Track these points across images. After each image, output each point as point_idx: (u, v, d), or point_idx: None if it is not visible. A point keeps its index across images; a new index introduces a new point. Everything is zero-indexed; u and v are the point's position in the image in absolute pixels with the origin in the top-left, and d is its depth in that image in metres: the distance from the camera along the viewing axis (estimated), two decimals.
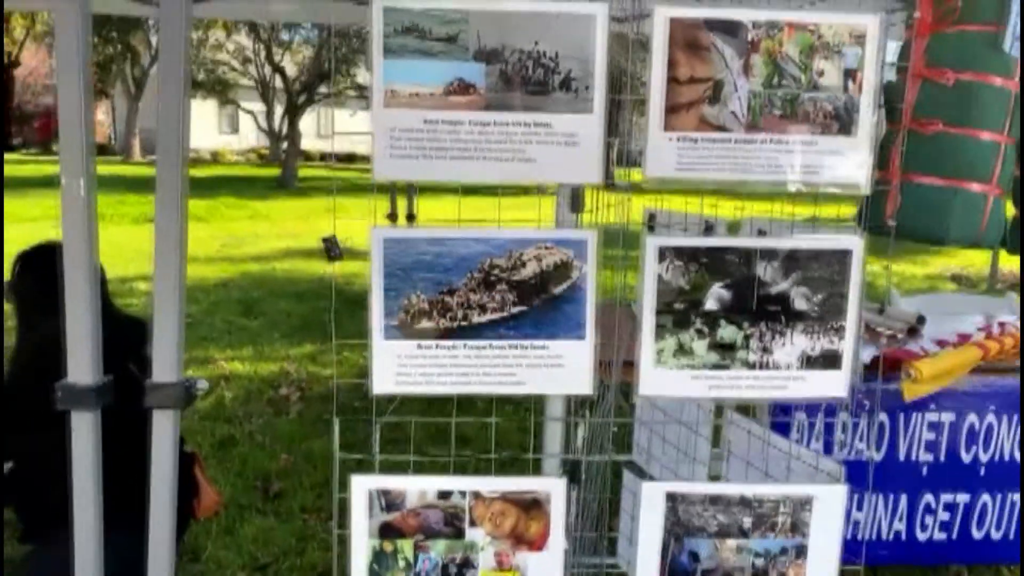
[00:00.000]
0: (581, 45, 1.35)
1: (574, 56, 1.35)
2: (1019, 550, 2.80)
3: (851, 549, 1.63)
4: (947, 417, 2.79)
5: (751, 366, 1.46)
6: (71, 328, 1.43)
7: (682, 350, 1.45)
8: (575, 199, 1.48)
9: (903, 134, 1.61)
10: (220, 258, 9.96)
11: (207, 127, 31.31)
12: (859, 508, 2.77)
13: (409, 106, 1.36)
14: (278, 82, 24.82)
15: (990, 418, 2.78)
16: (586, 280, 1.43)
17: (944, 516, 2.85)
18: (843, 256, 1.43)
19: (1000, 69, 1.66)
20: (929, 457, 2.81)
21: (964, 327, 3.05)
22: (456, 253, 1.41)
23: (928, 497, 2.83)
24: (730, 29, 1.37)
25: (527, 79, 1.36)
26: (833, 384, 1.48)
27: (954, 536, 2.86)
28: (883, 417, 2.74)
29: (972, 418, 2.79)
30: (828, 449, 2.52)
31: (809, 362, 1.47)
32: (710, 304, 1.44)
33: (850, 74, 1.39)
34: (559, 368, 1.45)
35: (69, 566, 1.85)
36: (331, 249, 1.37)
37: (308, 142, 29.50)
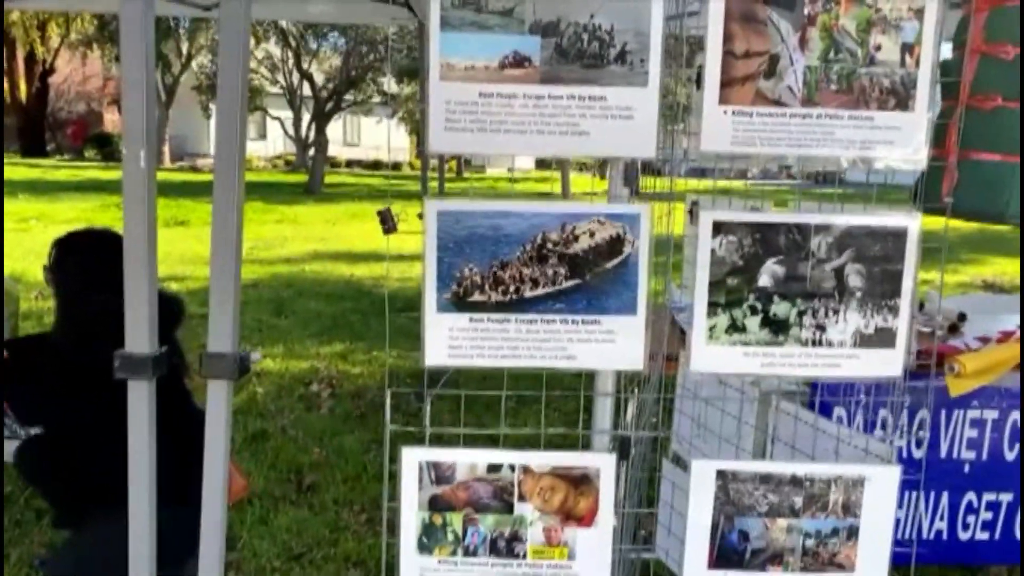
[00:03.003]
0: (637, 18, 1.35)
1: (630, 29, 1.36)
2: None
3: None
4: (989, 414, 2.75)
5: (804, 343, 1.45)
6: (129, 299, 1.46)
7: (735, 327, 1.45)
8: (628, 174, 1.48)
9: (960, 110, 1.60)
10: (250, 260, 10.05)
11: None
12: (899, 506, 2.73)
13: (464, 79, 1.37)
14: (306, 89, 25.12)
15: None
16: (639, 255, 1.43)
17: (987, 515, 2.81)
18: (899, 233, 1.42)
19: None
20: (971, 455, 2.76)
21: (1006, 325, 3.01)
22: (509, 227, 1.42)
23: (970, 496, 2.79)
24: (787, 3, 1.37)
25: (582, 52, 1.37)
26: (887, 363, 1.47)
27: (997, 536, 2.81)
28: (924, 414, 2.71)
29: (1015, 415, 2.74)
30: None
31: (863, 340, 1.45)
32: (763, 280, 1.44)
33: (908, 48, 1.38)
34: (611, 343, 1.45)
35: (111, 547, 1.88)
36: (386, 221, 1.39)
37: (335, 149, 29.79)
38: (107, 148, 28.56)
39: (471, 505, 1.49)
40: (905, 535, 2.76)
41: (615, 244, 1.42)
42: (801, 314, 1.44)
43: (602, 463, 1.48)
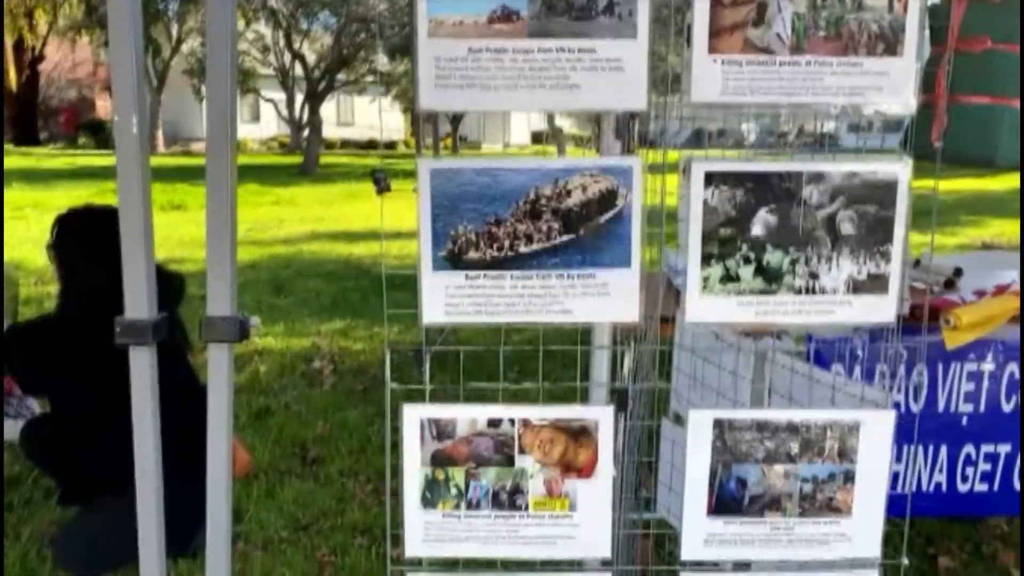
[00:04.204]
0: None
1: None
2: None
3: (893, 502, 1.63)
4: (987, 367, 2.77)
5: (798, 291, 1.46)
6: (127, 267, 1.47)
7: (728, 277, 1.46)
8: (620, 127, 1.49)
9: (949, 55, 1.60)
10: (247, 241, 10.05)
11: None
12: (898, 460, 2.76)
13: (453, 36, 1.37)
14: (298, 70, 24.95)
15: None
16: (632, 208, 1.43)
17: (985, 467, 2.84)
18: (890, 179, 1.43)
19: None
20: (969, 408, 2.79)
21: (1002, 279, 3.02)
22: (502, 183, 1.43)
23: (969, 448, 2.82)
24: None
25: (570, 5, 1.36)
26: (880, 308, 1.48)
27: (995, 487, 2.84)
28: (921, 368, 2.73)
29: (1012, 367, 2.77)
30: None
31: (856, 287, 1.47)
32: (756, 230, 1.44)
33: None
34: (606, 296, 1.46)
35: (120, 524, 1.90)
36: (379, 181, 1.39)
37: (329, 130, 29.65)
38: (100, 135, 28.43)
39: (472, 459, 1.51)
40: (905, 488, 2.79)
41: (608, 198, 1.43)
42: (794, 262, 1.45)
43: (600, 415, 1.50)
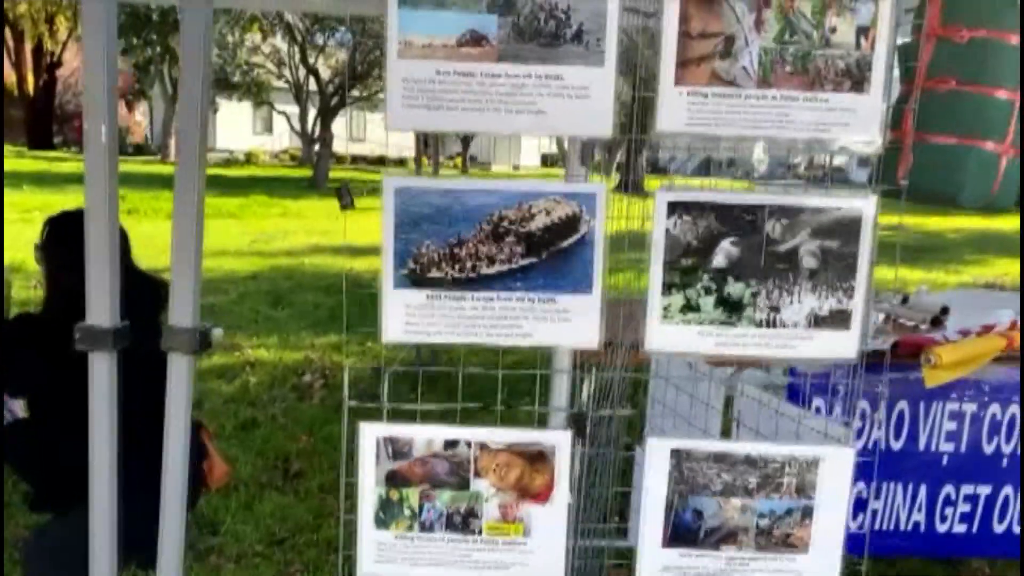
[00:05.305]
0: None
1: (586, 8, 1.37)
2: None
3: (860, 540, 1.61)
4: (969, 407, 2.75)
5: (758, 324, 1.46)
6: (91, 272, 1.47)
7: (689, 306, 1.45)
8: (585, 153, 1.49)
9: (916, 93, 1.61)
10: (250, 252, 10.10)
11: (241, 128, 31.79)
12: (877, 497, 2.74)
13: (422, 57, 1.39)
14: (312, 85, 25.14)
15: (1013, 409, 2.73)
16: (595, 234, 1.43)
17: (965, 508, 2.81)
18: (854, 215, 1.43)
19: (1015, 26, 1.65)
20: (950, 447, 2.76)
21: (990, 320, 3.01)
22: (466, 204, 1.43)
23: (948, 488, 2.79)
24: None
25: (539, 31, 1.38)
26: (842, 345, 1.47)
27: (975, 529, 2.81)
28: (903, 406, 2.71)
29: (995, 409, 2.75)
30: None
31: (818, 321, 1.46)
32: (718, 260, 1.44)
33: (863, 31, 1.39)
34: (566, 321, 1.46)
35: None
36: (343, 196, 1.40)
37: (340, 144, 29.78)
38: None
39: (428, 481, 1.50)
40: (883, 526, 2.77)
41: (571, 223, 1.43)
42: (755, 295, 1.45)
43: (558, 440, 1.49)
